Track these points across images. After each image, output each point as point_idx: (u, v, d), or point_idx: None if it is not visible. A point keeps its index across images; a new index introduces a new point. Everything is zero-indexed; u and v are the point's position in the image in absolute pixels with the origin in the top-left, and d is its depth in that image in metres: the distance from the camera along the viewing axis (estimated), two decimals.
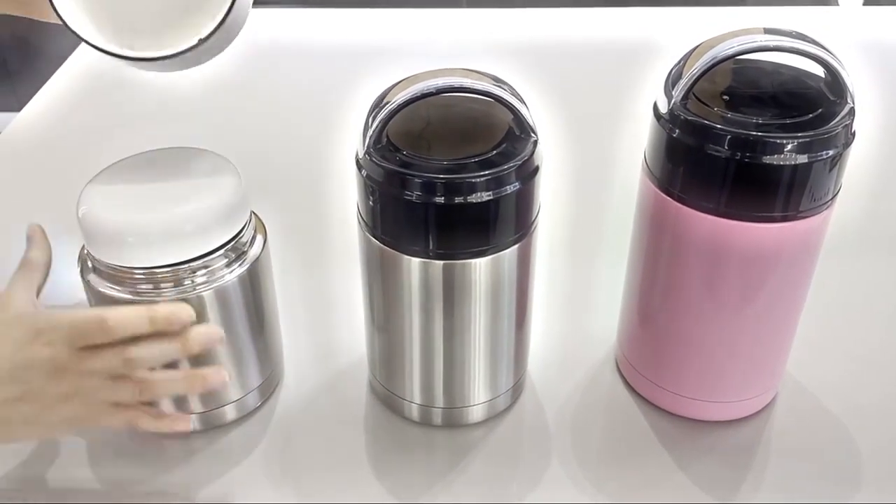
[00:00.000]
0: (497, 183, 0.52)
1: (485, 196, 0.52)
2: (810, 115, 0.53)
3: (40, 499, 0.59)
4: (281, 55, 1.21)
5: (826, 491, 0.60)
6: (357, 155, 0.55)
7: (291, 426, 0.64)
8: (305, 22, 1.32)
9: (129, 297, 0.55)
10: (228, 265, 0.57)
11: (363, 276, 0.60)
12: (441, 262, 0.54)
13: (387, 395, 0.64)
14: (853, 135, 0.53)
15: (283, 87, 1.13)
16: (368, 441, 0.64)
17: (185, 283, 0.55)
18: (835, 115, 0.52)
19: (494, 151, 0.53)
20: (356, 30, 1.29)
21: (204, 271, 0.56)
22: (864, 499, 0.59)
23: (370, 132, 0.53)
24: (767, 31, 0.53)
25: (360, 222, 0.57)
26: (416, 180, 0.51)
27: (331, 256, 0.82)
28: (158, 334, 0.53)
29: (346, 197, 0.60)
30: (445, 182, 0.51)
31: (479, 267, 0.55)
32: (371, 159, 0.53)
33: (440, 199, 0.52)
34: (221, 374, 0.56)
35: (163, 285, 0.55)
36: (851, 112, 0.53)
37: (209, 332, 0.56)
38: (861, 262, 0.80)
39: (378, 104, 0.54)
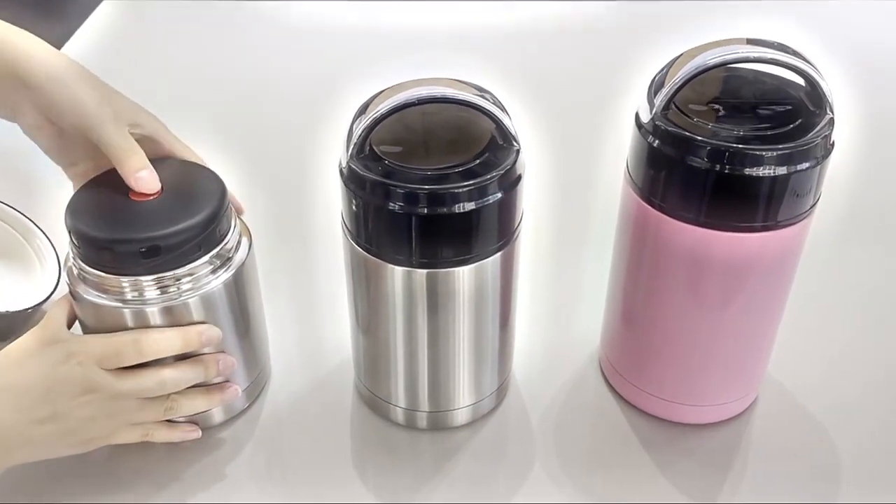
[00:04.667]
0: (480, 193, 0.52)
1: (467, 206, 0.52)
2: (790, 126, 0.53)
3: (29, 500, 0.59)
4: (271, 56, 1.21)
5: (806, 492, 0.60)
6: (340, 164, 0.55)
7: (278, 428, 0.65)
8: (298, 23, 1.30)
9: (116, 304, 0.55)
10: (214, 271, 0.57)
11: (348, 283, 0.60)
12: (425, 271, 0.55)
13: (372, 399, 0.65)
14: (832, 145, 0.53)
15: (270, 92, 1.12)
16: (354, 444, 0.64)
17: (171, 290, 0.56)
18: (814, 126, 0.53)
19: (477, 161, 0.54)
20: (352, 32, 1.27)
21: (189, 278, 0.56)
22: (844, 499, 0.60)
23: (354, 141, 0.53)
24: (750, 41, 0.54)
25: (344, 230, 0.57)
26: (399, 190, 0.52)
27: (316, 260, 0.82)
28: (186, 356, 0.57)
29: (331, 202, 0.60)
30: (428, 192, 0.51)
31: (463, 275, 0.55)
32: (354, 168, 0.53)
33: (423, 210, 0.52)
34: (235, 390, 0.62)
35: (148, 293, 0.55)
36: (831, 122, 0.53)
37: (227, 360, 0.60)
38: (840, 266, 0.81)
39: (362, 113, 0.54)
